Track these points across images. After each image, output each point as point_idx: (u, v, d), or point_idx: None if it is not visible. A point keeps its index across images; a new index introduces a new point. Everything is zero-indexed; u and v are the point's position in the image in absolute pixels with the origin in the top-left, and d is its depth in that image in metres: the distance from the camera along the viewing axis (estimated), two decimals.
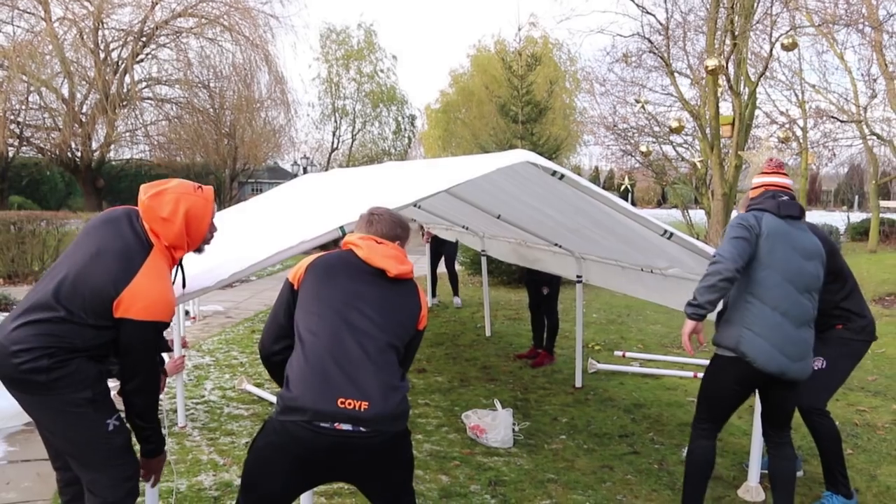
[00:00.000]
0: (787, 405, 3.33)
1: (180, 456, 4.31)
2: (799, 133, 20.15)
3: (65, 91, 21.06)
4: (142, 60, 22.22)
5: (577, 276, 5.88)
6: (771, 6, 12.52)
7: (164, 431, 2.74)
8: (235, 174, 27.48)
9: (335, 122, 33.08)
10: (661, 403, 5.54)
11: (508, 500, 3.78)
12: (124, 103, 21.31)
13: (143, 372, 2.51)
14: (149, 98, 22.89)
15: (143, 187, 2.65)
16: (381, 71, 33.01)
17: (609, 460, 4.38)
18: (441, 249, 9.94)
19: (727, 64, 11.90)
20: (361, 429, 2.23)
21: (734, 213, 3.57)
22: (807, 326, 3.16)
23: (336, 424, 2.21)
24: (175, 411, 4.98)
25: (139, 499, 2.60)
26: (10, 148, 21.79)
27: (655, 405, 5.51)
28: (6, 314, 2.60)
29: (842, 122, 17.90)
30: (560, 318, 6.98)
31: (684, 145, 16.86)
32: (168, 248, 2.59)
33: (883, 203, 22.51)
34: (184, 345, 5.39)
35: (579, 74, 27.10)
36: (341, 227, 2.94)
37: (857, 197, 39.29)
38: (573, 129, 26.82)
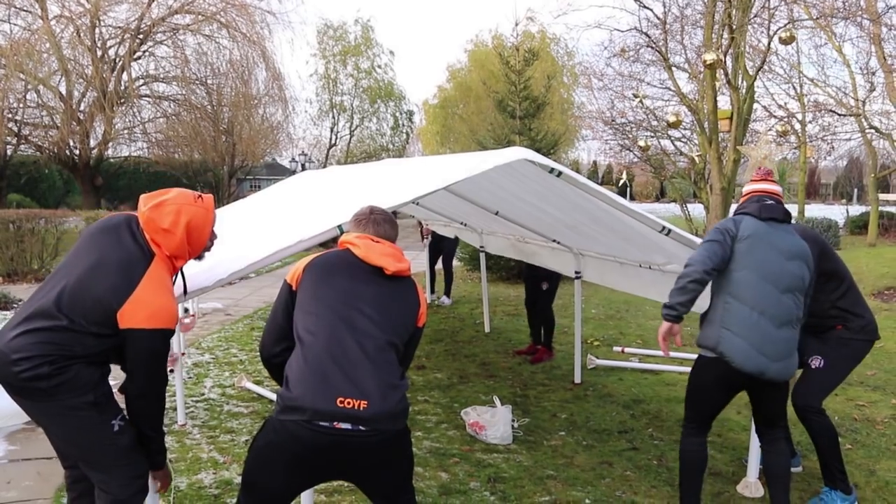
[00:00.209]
0: (775, 405, 3.34)
1: (180, 454, 4.31)
2: (797, 127, 20.15)
3: (62, 89, 21.04)
4: (139, 58, 22.18)
5: (576, 273, 5.89)
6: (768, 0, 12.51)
7: (164, 430, 2.75)
8: (233, 171, 27.46)
9: (333, 118, 33.05)
10: (661, 399, 5.55)
11: (508, 497, 3.79)
12: (122, 101, 21.29)
13: (152, 381, 2.53)
14: (146, 95, 22.87)
15: (142, 198, 2.66)
16: (379, 67, 33.00)
17: (608, 456, 4.39)
18: (441, 246, 9.93)
19: (725, 58, 11.90)
20: (361, 427, 2.24)
21: (733, 208, 3.60)
22: (789, 326, 3.17)
23: (335, 423, 2.22)
24: (175, 409, 4.98)
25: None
26: (8, 146, 21.79)
27: (655, 401, 5.52)
28: (5, 313, 2.61)
29: (840, 115, 17.88)
30: (558, 314, 6.98)
31: (682, 140, 16.86)
32: (169, 257, 2.60)
33: (882, 196, 22.51)
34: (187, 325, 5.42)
35: (577, 69, 27.09)
36: (339, 226, 2.95)
37: (856, 190, 39.33)
38: (571, 124, 26.82)
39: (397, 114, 34.43)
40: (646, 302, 9.72)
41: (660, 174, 18.38)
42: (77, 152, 21.77)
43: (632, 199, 44.27)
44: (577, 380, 6.01)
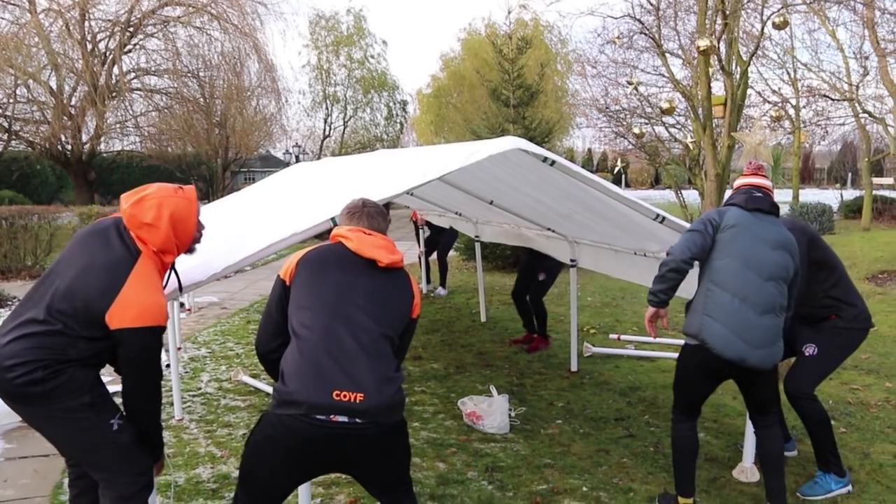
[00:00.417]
0: (763, 392, 3.37)
1: (178, 449, 4.32)
2: (791, 112, 20.14)
3: (53, 83, 20.88)
4: (130, 51, 22.02)
5: (571, 260, 5.89)
6: None
7: (162, 423, 2.76)
8: (227, 163, 27.36)
9: (326, 109, 32.95)
10: (657, 386, 5.57)
11: (505, 486, 3.81)
12: (113, 95, 21.14)
13: (146, 379, 2.52)
14: (138, 89, 22.71)
15: (123, 196, 2.65)
16: (372, 57, 32.87)
17: (605, 444, 4.41)
18: (438, 238, 9.90)
19: (719, 44, 11.85)
20: (357, 420, 2.24)
21: (727, 194, 3.63)
22: (772, 314, 3.19)
23: (332, 417, 2.22)
24: (172, 404, 4.99)
25: None
26: None
27: (651, 388, 5.54)
28: (0, 310, 2.60)
29: (834, 100, 17.88)
30: (554, 302, 6.98)
31: (677, 126, 16.83)
32: (157, 253, 2.58)
33: (876, 180, 22.57)
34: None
35: (570, 56, 27.01)
36: (333, 219, 2.94)
37: (850, 174, 39.34)
38: (565, 112, 26.74)
39: (391, 104, 34.33)
40: (641, 289, 9.71)
41: (654, 161, 18.35)
42: (69, 147, 21.64)
43: (627, 186, 44.26)
44: (574, 368, 6.02)
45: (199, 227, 2.77)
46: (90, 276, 2.45)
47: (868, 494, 3.71)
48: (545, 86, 16.51)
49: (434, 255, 10.08)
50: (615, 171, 24.53)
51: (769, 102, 18.64)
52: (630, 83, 14.10)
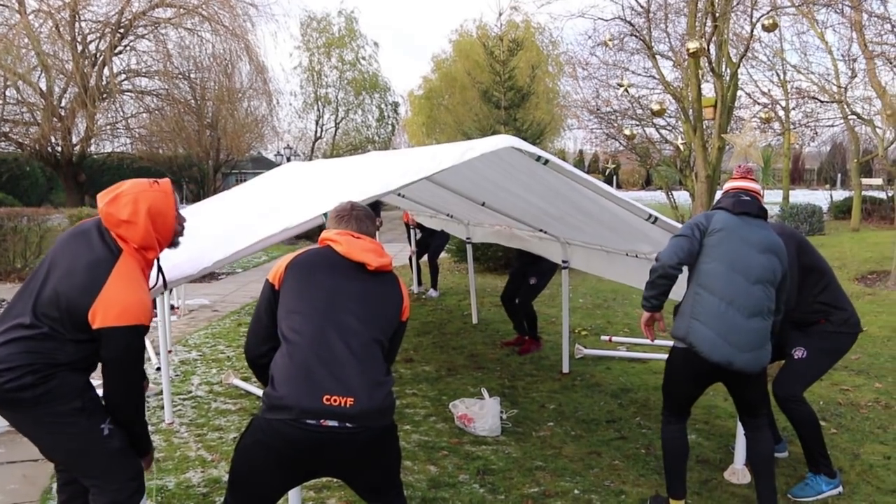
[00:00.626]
0: (752, 395, 3.39)
1: (168, 453, 4.29)
2: (781, 113, 20.24)
3: (43, 85, 20.78)
4: (120, 52, 21.93)
5: (563, 261, 5.89)
6: None
7: (151, 429, 2.74)
8: (218, 165, 27.27)
9: (318, 110, 32.86)
10: (648, 387, 5.58)
11: (497, 489, 3.80)
12: (104, 96, 21.04)
13: (129, 380, 2.49)
14: (129, 90, 22.62)
15: (99, 196, 2.61)
16: (363, 58, 32.80)
17: (597, 446, 4.41)
18: (430, 240, 9.89)
19: (708, 46, 11.90)
20: (348, 425, 2.24)
21: (717, 195, 3.65)
22: (760, 317, 3.21)
23: (322, 421, 2.22)
24: (162, 408, 4.96)
25: None
26: None
27: (642, 389, 5.55)
28: None
29: (823, 102, 17.98)
30: (545, 304, 6.98)
31: (667, 128, 16.89)
32: (138, 250, 2.55)
33: (865, 181, 22.69)
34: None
35: (562, 58, 27.08)
36: (325, 214, 2.90)
37: (839, 175, 39.56)
38: (557, 114, 26.80)
39: (382, 105, 34.28)
40: (633, 291, 9.75)
41: (645, 162, 18.41)
42: (59, 149, 21.52)
43: (618, 187, 44.34)
44: (566, 369, 6.02)
45: (180, 219, 2.72)
46: (73, 277, 2.43)
47: (859, 495, 3.72)
48: (536, 87, 16.55)
49: (425, 258, 10.07)
50: (606, 173, 24.57)
51: (759, 104, 18.75)
52: (620, 85, 14.14)
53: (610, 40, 14.35)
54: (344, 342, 2.32)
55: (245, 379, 5.71)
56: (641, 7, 14.12)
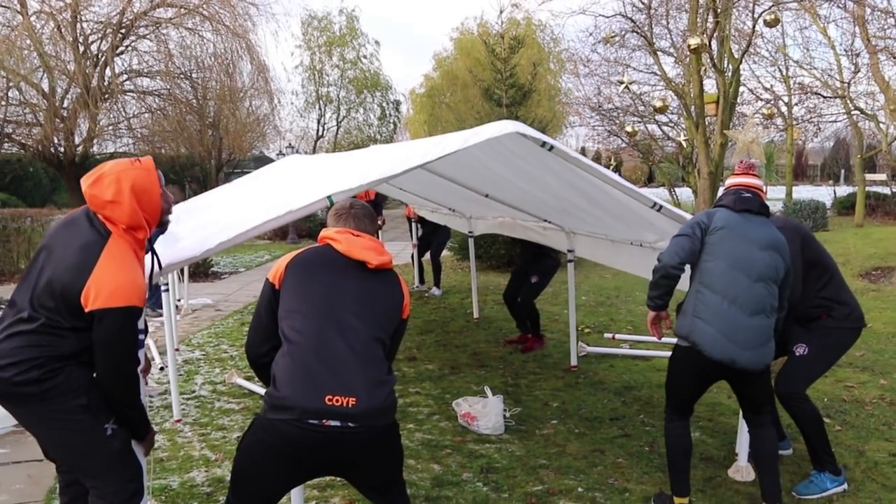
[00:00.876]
0: (756, 392, 3.38)
1: (172, 452, 4.30)
2: (784, 109, 20.20)
3: (45, 86, 20.79)
4: (122, 53, 21.92)
5: (569, 250, 5.87)
6: None
7: (155, 427, 2.73)
8: (221, 165, 27.30)
9: (319, 109, 32.86)
10: (652, 385, 5.57)
11: (501, 487, 3.80)
12: (106, 97, 21.04)
13: (122, 365, 2.45)
14: (130, 91, 22.62)
15: (82, 180, 2.58)
16: (364, 57, 32.78)
17: (600, 444, 4.41)
18: (432, 237, 9.89)
19: (710, 42, 11.87)
20: (350, 424, 2.24)
21: (720, 191, 3.64)
22: (762, 315, 3.20)
23: (324, 421, 2.22)
24: (165, 407, 4.97)
25: None
26: None
27: (646, 387, 5.54)
28: None
29: (826, 97, 17.93)
30: (548, 301, 6.97)
31: (670, 124, 16.89)
32: (127, 230, 2.51)
33: (868, 176, 22.63)
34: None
35: (563, 55, 27.01)
36: (329, 197, 2.88)
37: (843, 171, 39.47)
38: (558, 111, 26.75)
39: (384, 104, 34.26)
40: (636, 288, 9.75)
41: (648, 159, 18.42)
42: (62, 150, 21.53)
43: None
44: (574, 363, 6.01)
45: (166, 197, 2.67)
46: (65, 261, 2.41)
47: (864, 493, 3.71)
48: (538, 85, 16.50)
49: (427, 255, 10.07)
50: (609, 170, 24.53)
51: (761, 100, 18.72)
52: (621, 82, 14.12)
53: (612, 37, 14.33)
54: (345, 341, 2.32)
55: (248, 378, 5.71)
56: (643, 3, 14.10)
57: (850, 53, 17.31)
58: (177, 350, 6.43)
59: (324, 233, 2.60)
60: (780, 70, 20.12)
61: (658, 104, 13.51)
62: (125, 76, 22.41)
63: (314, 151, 32.18)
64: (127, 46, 22.08)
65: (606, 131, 18.05)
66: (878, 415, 4.86)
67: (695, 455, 3.80)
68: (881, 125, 18.32)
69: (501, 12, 13.76)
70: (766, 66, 19.97)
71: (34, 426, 2.47)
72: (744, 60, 14.11)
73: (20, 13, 19.61)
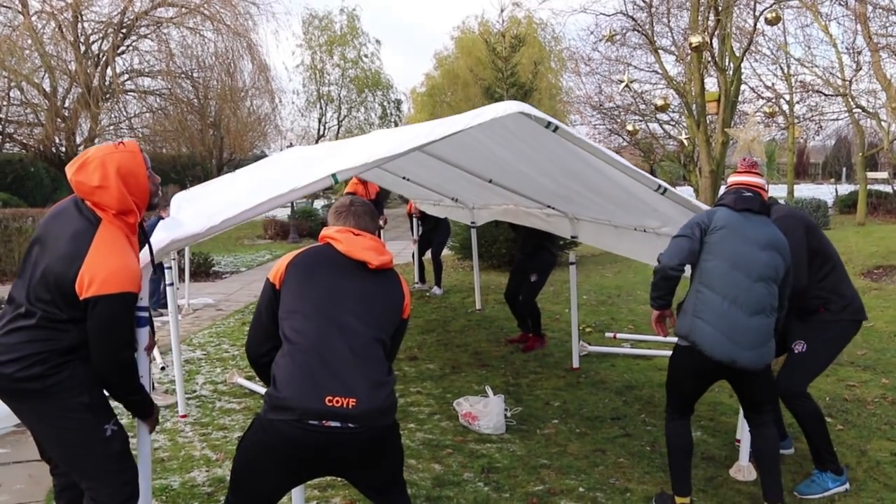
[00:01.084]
0: (757, 392, 3.37)
1: (172, 452, 4.30)
2: (785, 107, 20.17)
3: (46, 86, 20.79)
4: (123, 52, 21.92)
5: (572, 237, 5.85)
6: None
7: (157, 428, 2.72)
8: (222, 164, 27.26)
9: (320, 108, 32.86)
10: (653, 384, 5.56)
11: (502, 487, 3.80)
12: (107, 96, 21.05)
13: (117, 355, 2.42)
14: (131, 90, 22.62)
15: (67, 167, 2.56)
16: (365, 56, 32.77)
17: (601, 444, 4.40)
18: (432, 235, 9.89)
19: (711, 40, 11.87)
20: (350, 425, 2.24)
21: (721, 189, 3.63)
22: (763, 315, 3.20)
23: (324, 422, 2.22)
24: (169, 406, 4.98)
25: None
26: None
27: (647, 386, 5.53)
28: None
29: (827, 95, 17.90)
30: (550, 301, 6.97)
31: (671, 123, 16.87)
32: (117, 216, 2.48)
33: (870, 174, 22.60)
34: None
35: (564, 54, 27.00)
36: (334, 175, 2.83)
37: (844, 169, 39.43)
38: (560, 109, 26.70)
39: (385, 103, 34.25)
40: (637, 287, 9.74)
41: (649, 158, 18.39)
42: (63, 149, 21.53)
43: None
44: (576, 364, 6.01)
45: (153, 178, 2.64)
46: (57, 251, 2.39)
47: (866, 492, 3.70)
48: (539, 83, 16.52)
49: (428, 254, 10.07)
50: None
51: (763, 98, 18.70)
52: (622, 81, 14.11)
53: (613, 35, 14.32)
54: (345, 342, 2.31)
55: (249, 378, 5.71)
56: (644, 2, 14.09)
57: (851, 51, 17.31)
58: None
59: (324, 232, 2.59)
60: (781, 68, 20.11)
61: (659, 102, 13.50)
62: (126, 76, 22.41)
63: None
64: (128, 46, 22.09)
65: (608, 130, 18.06)
66: (880, 414, 4.85)
67: (696, 455, 3.80)
68: (883, 123, 18.30)
69: (502, 11, 13.79)
70: (767, 65, 19.97)
71: (34, 424, 2.46)
72: (745, 58, 14.11)
73: (21, 13, 19.63)
